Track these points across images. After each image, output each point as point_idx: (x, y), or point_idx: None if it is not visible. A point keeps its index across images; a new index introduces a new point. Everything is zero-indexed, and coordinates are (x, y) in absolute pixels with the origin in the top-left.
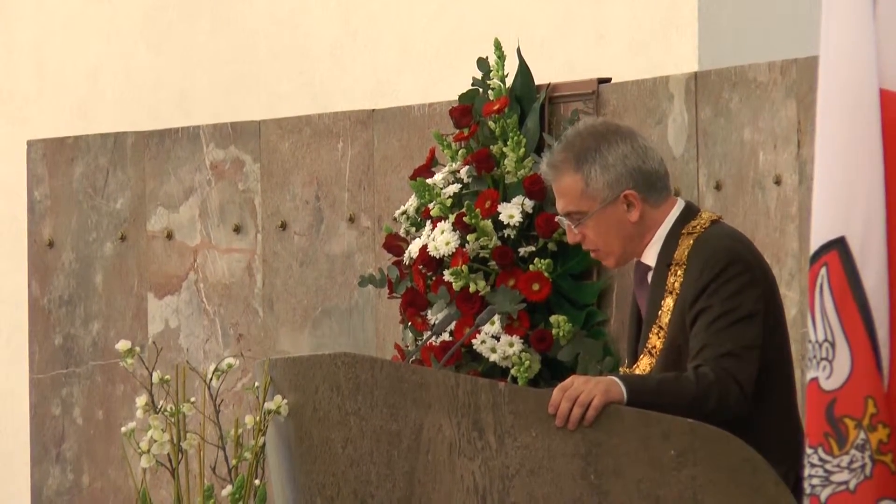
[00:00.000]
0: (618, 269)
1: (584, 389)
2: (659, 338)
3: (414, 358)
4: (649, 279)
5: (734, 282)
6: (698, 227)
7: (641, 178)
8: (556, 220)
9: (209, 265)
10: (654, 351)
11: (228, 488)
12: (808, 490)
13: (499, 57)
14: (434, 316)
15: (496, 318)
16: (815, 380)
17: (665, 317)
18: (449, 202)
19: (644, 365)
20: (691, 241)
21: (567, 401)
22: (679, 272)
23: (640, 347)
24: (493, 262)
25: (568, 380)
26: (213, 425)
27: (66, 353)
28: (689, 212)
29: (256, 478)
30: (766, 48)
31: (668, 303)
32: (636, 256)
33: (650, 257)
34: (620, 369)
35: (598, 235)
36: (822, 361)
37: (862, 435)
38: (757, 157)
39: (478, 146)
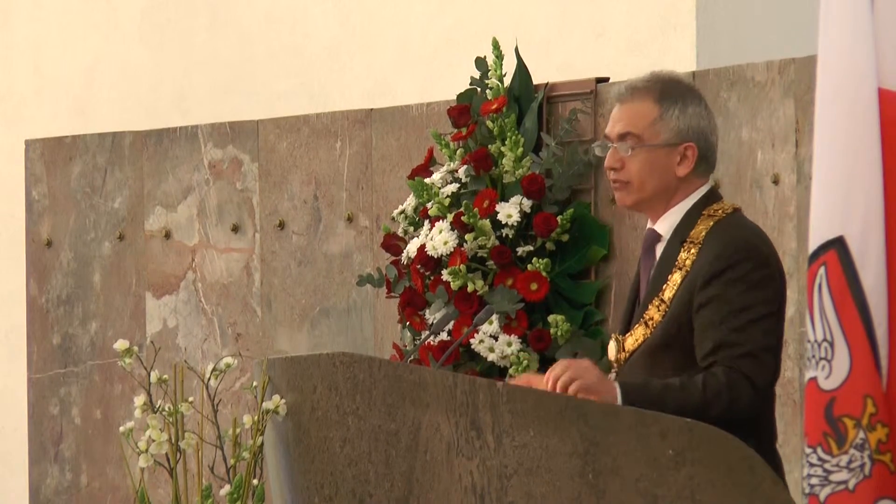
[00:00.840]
0: (616, 269)
1: (580, 377)
2: (659, 311)
3: (412, 357)
4: (658, 250)
5: (752, 276)
6: (720, 211)
7: (704, 144)
8: (597, 143)
9: (207, 265)
10: (650, 322)
11: (227, 488)
12: (806, 489)
13: (497, 56)
14: (432, 315)
15: (494, 317)
16: (813, 379)
17: (669, 291)
18: (447, 202)
19: (637, 335)
20: (711, 224)
21: (562, 384)
22: (693, 251)
23: (635, 317)
24: (491, 262)
25: (585, 361)
26: (212, 425)
27: (65, 353)
28: (713, 195)
29: (255, 477)
30: (764, 47)
31: (676, 278)
32: (652, 211)
33: (664, 227)
34: (613, 336)
35: (639, 169)
36: (821, 361)
37: (861, 434)
38: (755, 156)
39: (476, 146)
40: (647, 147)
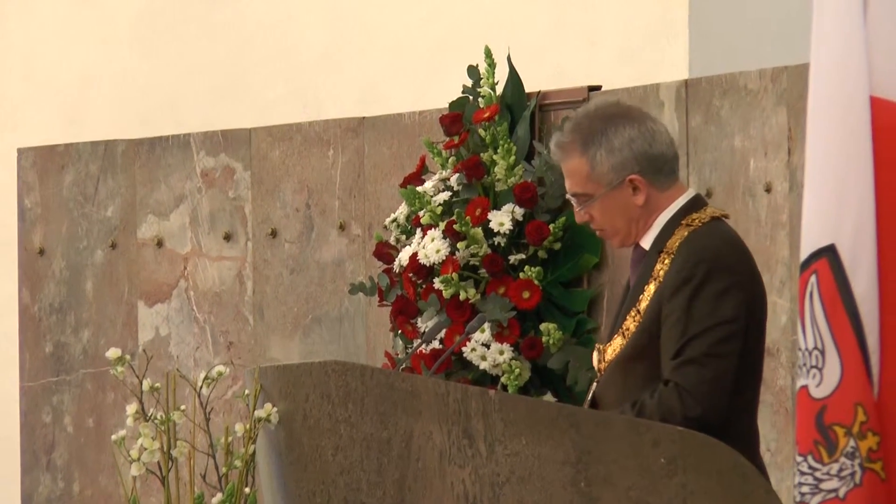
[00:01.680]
0: (609, 277)
1: None
2: (634, 321)
3: (404, 366)
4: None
5: (713, 286)
6: (697, 220)
7: (648, 163)
8: (566, 197)
9: (199, 273)
10: (626, 333)
11: (219, 496)
12: (797, 497)
13: (489, 64)
14: (424, 324)
15: (486, 325)
16: (804, 387)
17: (644, 302)
18: (439, 210)
19: (616, 345)
20: (686, 233)
21: None
22: (667, 261)
23: (615, 327)
24: (483, 270)
25: None
26: (204, 433)
27: (57, 361)
28: (695, 203)
29: (247, 486)
30: (757, 55)
31: (650, 289)
32: (641, 237)
33: (647, 241)
34: (596, 346)
35: (603, 217)
36: (812, 369)
37: (852, 443)
38: (747, 164)
39: (468, 154)
40: (598, 198)
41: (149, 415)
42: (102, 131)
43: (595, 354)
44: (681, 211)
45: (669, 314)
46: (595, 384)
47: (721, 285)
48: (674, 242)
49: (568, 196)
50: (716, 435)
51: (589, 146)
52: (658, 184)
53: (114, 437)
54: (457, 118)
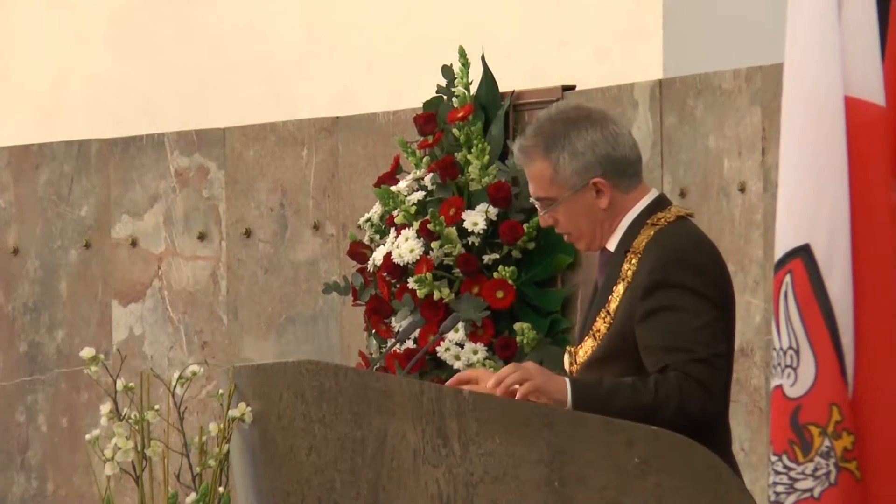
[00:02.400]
0: (583, 277)
1: (529, 373)
2: (605, 322)
3: (378, 365)
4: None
5: (692, 283)
6: (663, 219)
7: (611, 166)
8: (531, 200)
9: (174, 272)
10: (598, 335)
11: (193, 496)
12: (772, 497)
13: (463, 64)
14: (398, 323)
15: (460, 325)
16: (779, 387)
17: (613, 303)
18: (413, 209)
19: (587, 347)
20: (652, 232)
21: (512, 376)
22: (634, 261)
23: (585, 329)
24: (457, 270)
25: (532, 363)
26: (178, 433)
27: (31, 361)
28: (660, 203)
29: (221, 485)
30: (731, 55)
31: (619, 290)
32: (607, 239)
33: (613, 243)
34: (567, 348)
35: (568, 221)
36: (787, 369)
37: (827, 442)
38: (721, 164)
39: (442, 153)
40: (561, 202)
41: (123, 414)
42: (77, 131)
43: (566, 357)
44: (645, 211)
45: (649, 313)
46: None
47: (699, 281)
48: (640, 242)
49: (532, 200)
50: (693, 433)
51: (552, 150)
52: (622, 186)
53: (88, 436)
54: (431, 118)
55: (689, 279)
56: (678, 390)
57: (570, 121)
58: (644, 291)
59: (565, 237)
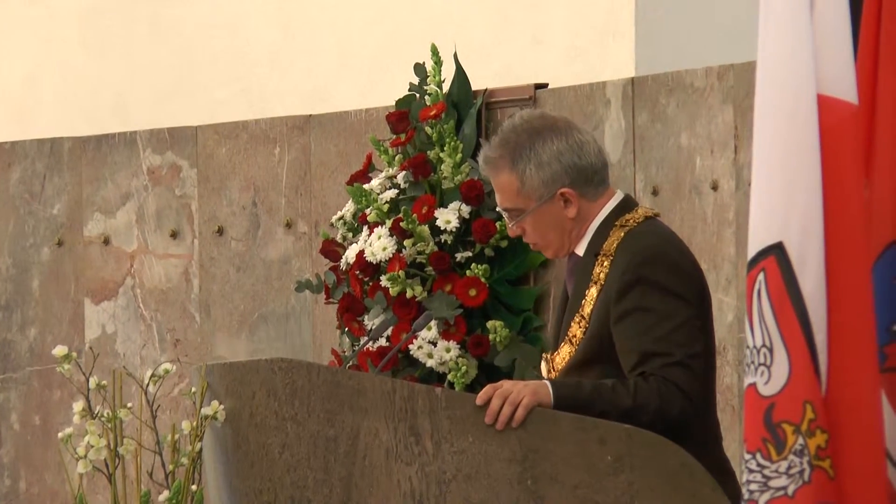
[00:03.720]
0: (555, 275)
1: (514, 389)
2: (580, 327)
3: (351, 363)
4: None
5: (666, 283)
6: (631, 220)
7: (577, 175)
8: (497, 209)
9: (146, 270)
10: (574, 340)
11: (165, 493)
12: (746, 496)
13: (436, 62)
14: (371, 321)
15: (433, 323)
16: (752, 385)
17: (588, 307)
18: (386, 207)
19: (564, 353)
20: (622, 234)
21: (498, 398)
22: (606, 263)
23: (561, 335)
24: (429, 268)
25: (499, 382)
26: (150, 431)
27: (3, 359)
28: (626, 205)
29: (193, 483)
30: (703, 54)
31: (592, 293)
32: (575, 245)
33: (581, 248)
34: (543, 355)
35: (536, 231)
36: (760, 367)
37: (800, 440)
38: (694, 162)
39: (415, 151)
40: (529, 213)
41: (95, 412)
42: (49, 129)
43: (543, 364)
44: (612, 213)
45: (624, 314)
46: None
47: (673, 280)
48: (611, 244)
49: (499, 210)
50: (667, 432)
51: (518, 161)
52: (589, 195)
53: (60, 434)
54: (403, 116)
55: (663, 277)
56: (657, 395)
57: (534, 131)
58: (618, 293)
59: (532, 246)
